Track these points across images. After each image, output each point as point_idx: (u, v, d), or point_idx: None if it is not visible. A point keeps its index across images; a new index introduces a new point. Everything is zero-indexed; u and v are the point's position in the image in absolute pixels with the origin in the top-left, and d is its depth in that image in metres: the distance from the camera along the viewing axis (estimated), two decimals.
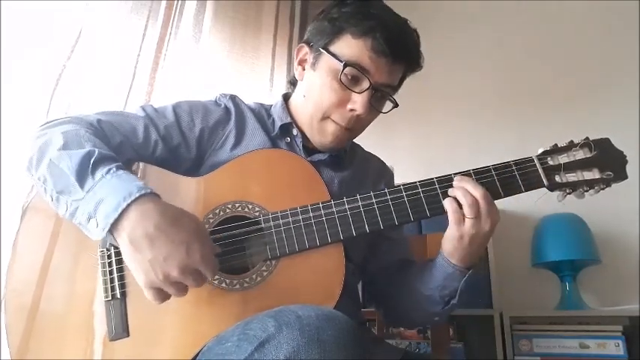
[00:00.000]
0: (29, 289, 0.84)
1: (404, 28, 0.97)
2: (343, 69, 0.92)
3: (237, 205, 0.88)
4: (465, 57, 2.43)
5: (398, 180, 1.19)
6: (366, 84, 0.93)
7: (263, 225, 0.87)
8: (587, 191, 0.91)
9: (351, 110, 0.94)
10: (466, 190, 0.85)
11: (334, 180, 1.03)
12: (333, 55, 0.94)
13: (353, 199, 0.88)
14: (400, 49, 0.94)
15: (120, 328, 0.81)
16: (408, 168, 1.69)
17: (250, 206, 0.88)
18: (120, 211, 0.70)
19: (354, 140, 1.11)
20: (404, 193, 0.89)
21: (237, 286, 0.83)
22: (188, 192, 0.90)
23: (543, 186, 0.90)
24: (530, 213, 1.95)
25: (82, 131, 0.82)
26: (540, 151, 0.92)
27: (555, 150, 0.92)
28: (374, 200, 0.88)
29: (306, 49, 1.02)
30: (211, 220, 0.87)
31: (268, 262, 0.85)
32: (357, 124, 0.99)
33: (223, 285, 0.83)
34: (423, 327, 1.23)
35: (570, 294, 1.83)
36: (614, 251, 1.91)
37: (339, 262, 0.85)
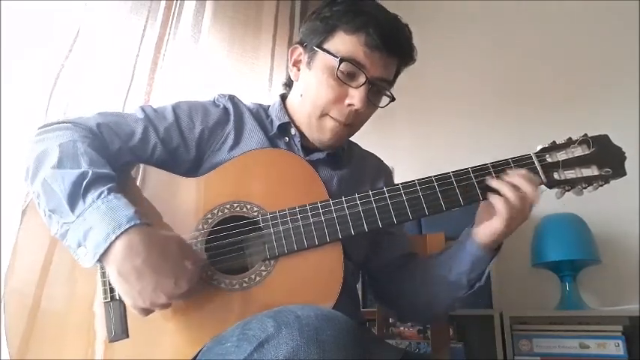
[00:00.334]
0: (29, 289, 0.84)
1: (395, 23, 0.98)
2: (339, 64, 0.93)
3: (235, 205, 0.88)
4: (465, 57, 2.43)
5: (398, 180, 1.19)
6: (362, 78, 0.94)
7: (262, 225, 0.86)
8: (585, 188, 0.90)
9: (349, 105, 0.95)
10: (517, 186, 0.86)
11: (333, 179, 1.03)
12: (328, 52, 0.95)
13: (351, 198, 0.88)
14: (393, 43, 0.95)
15: (119, 330, 0.81)
16: (407, 168, 1.69)
17: (249, 206, 0.88)
18: (109, 243, 0.72)
19: (351, 139, 1.11)
20: (402, 192, 0.88)
21: (237, 287, 0.83)
22: (187, 192, 0.90)
23: (542, 183, 0.89)
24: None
25: (79, 143, 0.82)
26: (538, 148, 0.92)
27: (553, 147, 0.92)
28: (372, 199, 0.88)
29: (300, 49, 1.03)
30: (210, 221, 0.87)
31: (267, 262, 0.85)
32: (356, 120, 0.99)
33: (222, 285, 0.83)
34: (440, 317, 1.21)
35: (570, 294, 1.82)
36: (614, 251, 1.91)
37: (338, 261, 0.85)
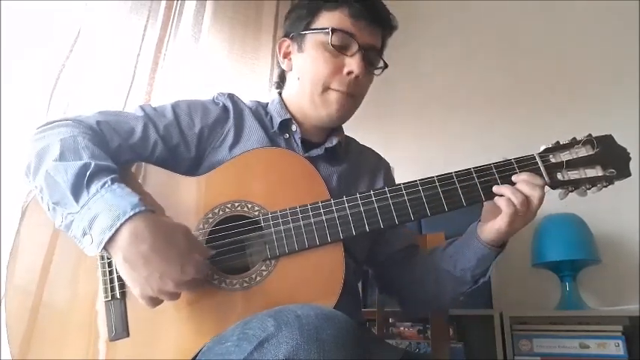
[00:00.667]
0: (30, 288, 0.84)
1: None
2: (331, 36, 0.97)
3: (236, 204, 0.88)
4: (465, 57, 2.43)
5: (398, 180, 1.19)
6: (355, 46, 0.98)
7: (262, 224, 0.86)
8: (589, 189, 0.90)
9: (349, 73, 0.97)
10: (520, 191, 0.86)
11: (333, 175, 1.03)
12: (317, 29, 0.99)
13: (353, 198, 0.88)
14: (374, 12, 1.00)
15: (120, 328, 0.81)
16: (408, 168, 1.69)
17: (250, 205, 0.88)
18: (114, 230, 0.72)
19: (348, 135, 1.13)
20: (404, 192, 0.88)
21: (237, 286, 0.83)
22: (188, 192, 0.90)
23: (545, 184, 0.89)
24: None
25: (80, 138, 0.82)
26: (542, 148, 0.91)
27: (557, 147, 0.91)
28: (374, 199, 0.88)
29: (287, 41, 1.06)
30: (210, 220, 0.87)
31: (268, 262, 0.85)
32: (356, 89, 1.01)
33: (223, 285, 0.83)
34: (444, 308, 1.21)
35: (570, 294, 1.83)
36: (614, 251, 1.91)
37: (339, 260, 0.85)
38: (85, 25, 1.36)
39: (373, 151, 1.19)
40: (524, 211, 0.86)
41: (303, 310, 0.65)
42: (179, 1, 1.67)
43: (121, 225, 0.72)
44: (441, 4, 2.53)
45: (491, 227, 0.89)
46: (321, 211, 0.87)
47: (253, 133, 1.01)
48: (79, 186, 0.76)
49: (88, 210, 0.74)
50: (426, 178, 0.89)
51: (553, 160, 0.90)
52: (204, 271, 0.77)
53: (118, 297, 0.82)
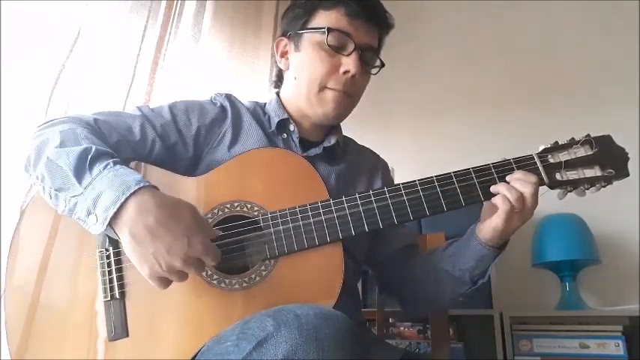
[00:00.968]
0: (29, 288, 0.84)
1: None
2: (327, 35, 0.97)
3: (236, 204, 0.88)
4: (465, 57, 2.43)
5: (397, 180, 1.19)
6: (351, 45, 0.98)
7: (262, 225, 0.86)
8: (588, 189, 0.90)
9: (345, 73, 0.97)
10: (515, 188, 0.87)
11: (331, 175, 1.03)
12: (313, 28, 0.99)
13: (352, 198, 0.88)
14: (371, 11, 1.00)
15: (119, 328, 0.81)
16: (407, 168, 1.69)
17: (249, 206, 0.88)
18: (119, 205, 0.71)
19: (346, 135, 1.13)
20: (403, 192, 0.88)
21: (237, 286, 0.83)
22: (187, 192, 0.90)
23: (544, 184, 0.89)
24: None
25: (79, 130, 0.83)
26: (541, 148, 0.92)
27: (556, 147, 0.91)
28: (373, 199, 0.88)
29: (284, 40, 1.06)
30: (210, 220, 0.87)
31: (267, 262, 0.85)
32: (353, 88, 1.01)
33: (222, 285, 0.83)
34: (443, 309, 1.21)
35: (570, 294, 1.83)
36: (614, 251, 1.91)
37: (339, 260, 0.85)
38: (85, 25, 1.36)
39: (371, 151, 1.20)
40: (520, 208, 0.86)
41: (302, 310, 0.65)
42: (179, 1, 1.67)
43: (126, 199, 0.71)
44: (439, 4, 2.53)
45: (488, 225, 0.89)
46: (321, 211, 0.87)
47: (252, 132, 1.01)
48: (82, 168, 0.76)
49: (92, 190, 0.74)
50: (425, 178, 0.89)
51: (552, 160, 0.90)
52: (212, 251, 0.75)
53: (118, 297, 0.82)
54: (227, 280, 0.83)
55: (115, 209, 0.71)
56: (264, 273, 0.84)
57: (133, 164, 0.89)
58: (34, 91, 1.24)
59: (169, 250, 0.71)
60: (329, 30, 0.97)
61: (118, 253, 0.84)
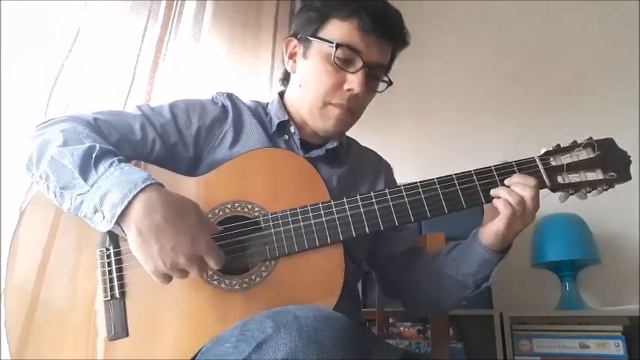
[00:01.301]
0: (28, 287, 0.84)
1: (386, 8, 0.99)
2: (335, 50, 0.94)
3: (236, 205, 0.88)
4: (466, 57, 2.43)
5: (398, 181, 1.19)
6: (359, 63, 0.95)
7: (262, 225, 0.86)
8: (589, 192, 0.89)
9: (349, 90, 0.96)
10: (515, 191, 0.86)
11: (333, 177, 1.03)
12: (323, 39, 0.96)
13: (353, 199, 0.88)
14: (386, 26, 0.97)
15: (119, 328, 0.81)
16: (408, 169, 1.69)
17: (250, 206, 0.88)
18: (126, 202, 0.72)
19: (349, 136, 1.12)
20: (404, 193, 0.88)
21: (237, 287, 0.83)
22: (188, 192, 0.89)
23: (545, 187, 0.89)
24: None
25: (80, 128, 0.83)
26: (543, 151, 0.91)
27: (558, 150, 0.91)
28: (374, 201, 0.88)
29: (294, 41, 1.04)
30: (211, 220, 0.87)
31: (267, 263, 0.85)
32: (356, 105, 1.00)
33: (223, 285, 0.83)
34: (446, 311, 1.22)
35: (570, 294, 1.83)
36: (614, 251, 1.91)
37: (339, 261, 0.85)
38: (84, 25, 1.36)
39: (374, 152, 1.19)
40: (522, 211, 0.85)
41: (301, 312, 0.65)
42: (179, 1, 1.67)
43: (134, 197, 0.72)
44: (439, 4, 2.52)
45: (490, 229, 0.89)
46: (321, 212, 0.87)
47: (253, 132, 1.01)
48: (87, 166, 0.76)
49: (98, 188, 0.75)
50: (426, 180, 0.89)
51: (554, 163, 0.90)
52: (215, 251, 0.76)
53: (118, 296, 0.83)
54: (227, 281, 0.83)
55: (122, 207, 0.72)
56: (264, 274, 0.84)
57: (132, 163, 0.89)
58: (34, 91, 1.23)
59: (174, 248, 0.72)
60: (338, 45, 0.94)
61: (118, 253, 0.84)
